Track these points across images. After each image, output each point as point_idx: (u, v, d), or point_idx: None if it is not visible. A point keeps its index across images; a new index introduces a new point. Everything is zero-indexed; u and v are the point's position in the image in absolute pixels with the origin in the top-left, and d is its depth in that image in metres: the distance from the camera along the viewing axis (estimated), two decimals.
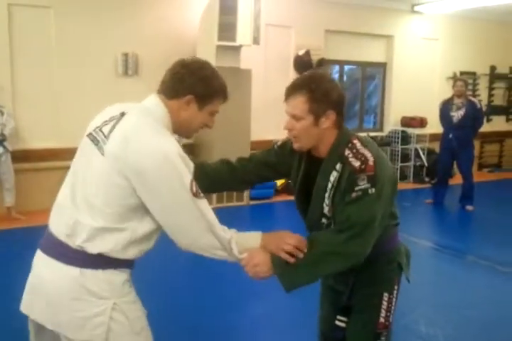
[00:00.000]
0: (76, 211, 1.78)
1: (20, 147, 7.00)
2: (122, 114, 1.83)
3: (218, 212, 1.88)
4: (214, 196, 7.35)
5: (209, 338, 3.64)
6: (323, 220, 2.10)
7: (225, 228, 1.87)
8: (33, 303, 1.87)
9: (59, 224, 1.83)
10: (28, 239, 5.70)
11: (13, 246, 5.84)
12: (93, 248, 1.75)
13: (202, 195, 1.80)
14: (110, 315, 1.76)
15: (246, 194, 7.85)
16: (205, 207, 1.80)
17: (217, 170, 2.33)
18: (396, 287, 2.22)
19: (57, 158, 6.96)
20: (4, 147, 6.60)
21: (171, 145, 1.75)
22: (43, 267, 1.85)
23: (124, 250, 1.79)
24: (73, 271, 1.76)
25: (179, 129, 1.93)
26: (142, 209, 1.78)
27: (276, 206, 7.90)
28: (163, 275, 4.53)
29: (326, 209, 2.07)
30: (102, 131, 1.82)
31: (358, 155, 1.98)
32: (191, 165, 1.81)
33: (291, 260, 1.91)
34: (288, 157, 2.26)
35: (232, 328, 3.82)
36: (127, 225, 1.77)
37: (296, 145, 2.10)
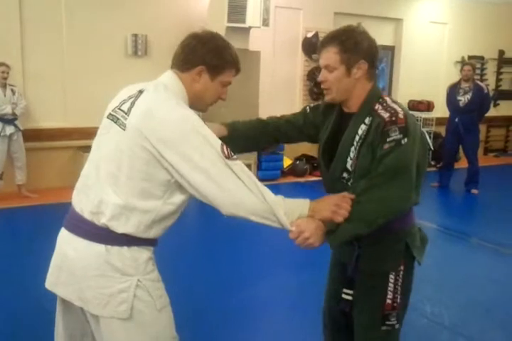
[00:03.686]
0: (100, 189, 1.79)
1: (31, 126, 7.06)
2: (140, 92, 1.83)
3: None
4: None
5: (219, 316, 3.71)
6: (345, 175, 2.10)
7: (270, 192, 1.81)
8: (58, 280, 1.88)
9: (84, 202, 1.84)
10: (39, 216, 5.84)
11: (24, 223, 5.95)
12: (117, 227, 1.76)
13: (235, 156, 1.78)
14: (134, 292, 1.77)
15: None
16: (241, 168, 1.77)
17: (248, 125, 2.35)
18: (403, 268, 2.17)
19: (67, 138, 7.03)
20: (16, 126, 6.65)
21: (194, 115, 1.78)
22: (67, 245, 1.85)
23: (147, 229, 1.80)
24: (99, 248, 1.77)
25: (194, 102, 1.92)
26: (169, 187, 1.78)
27: (282, 187, 7.97)
28: (175, 253, 4.60)
29: (349, 164, 2.07)
30: (120, 109, 1.83)
31: (387, 108, 2.01)
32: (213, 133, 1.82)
33: (340, 220, 1.89)
34: (319, 118, 2.30)
35: (243, 306, 3.89)
36: (151, 205, 1.77)
37: (328, 98, 2.14)
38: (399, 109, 2.00)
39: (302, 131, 2.38)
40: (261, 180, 7.91)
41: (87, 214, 1.81)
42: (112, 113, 1.86)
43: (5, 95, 6.55)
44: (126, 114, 1.80)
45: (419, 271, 4.02)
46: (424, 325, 3.63)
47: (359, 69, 2.04)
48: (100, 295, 1.78)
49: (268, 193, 1.80)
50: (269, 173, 8.17)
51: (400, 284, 2.18)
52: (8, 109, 6.52)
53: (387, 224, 2.04)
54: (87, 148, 1.94)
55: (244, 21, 7.42)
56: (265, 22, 7.66)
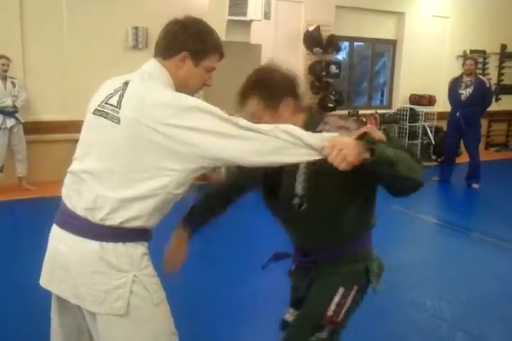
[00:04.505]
0: (95, 185, 1.76)
1: (31, 119, 7.04)
2: (126, 83, 1.81)
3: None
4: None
5: (218, 313, 3.71)
6: (296, 200, 2.02)
7: (287, 125, 1.75)
8: (52, 277, 1.87)
9: (75, 199, 1.81)
10: (39, 209, 5.83)
11: (24, 216, 5.95)
12: (116, 218, 1.74)
13: (234, 115, 1.76)
14: (131, 287, 1.75)
15: None
16: (246, 121, 1.72)
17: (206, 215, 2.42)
18: (356, 287, 2.08)
19: (67, 131, 6.99)
20: (16, 118, 6.65)
21: (184, 94, 1.76)
22: (60, 242, 1.83)
23: (147, 219, 1.78)
24: (93, 245, 1.75)
25: (179, 89, 1.86)
26: (170, 177, 1.73)
27: None
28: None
29: (298, 189, 2.00)
30: (108, 104, 1.79)
31: (337, 126, 1.92)
32: None
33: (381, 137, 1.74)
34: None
35: (243, 302, 3.89)
36: (151, 194, 1.74)
37: None
38: (353, 124, 1.94)
39: (245, 186, 2.35)
40: None
41: (80, 211, 1.78)
42: (99, 108, 1.82)
43: (5, 88, 6.54)
44: (116, 107, 1.76)
45: (420, 266, 4.01)
46: (424, 320, 3.63)
47: (286, 106, 1.99)
48: (96, 292, 1.75)
49: (286, 127, 1.73)
50: None
51: (348, 302, 2.07)
52: (8, 102, 6.51)
53: (345, 245, 2.08)
54: None
55: (245, 14, 7.38)
56: (266, 15, 7.63)
